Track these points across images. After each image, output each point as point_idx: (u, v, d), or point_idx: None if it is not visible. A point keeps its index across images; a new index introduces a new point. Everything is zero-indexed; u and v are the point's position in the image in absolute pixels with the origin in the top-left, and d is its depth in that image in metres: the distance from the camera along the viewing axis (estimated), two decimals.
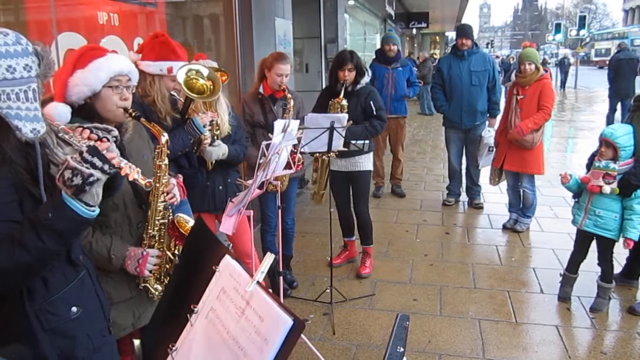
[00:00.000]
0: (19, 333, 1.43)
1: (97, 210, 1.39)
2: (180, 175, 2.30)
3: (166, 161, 2.02)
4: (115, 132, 1.50)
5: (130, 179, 1.37)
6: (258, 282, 0.94)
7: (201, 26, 5.60)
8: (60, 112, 1.87)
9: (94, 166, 1.32)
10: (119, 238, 2.00)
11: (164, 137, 2.01)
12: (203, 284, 1.07)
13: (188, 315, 1.06)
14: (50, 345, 1.45)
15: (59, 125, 1.44)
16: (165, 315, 1.30)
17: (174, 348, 1.05)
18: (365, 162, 4.19)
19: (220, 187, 3.26)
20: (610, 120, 11.59)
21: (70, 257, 1.52)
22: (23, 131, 1.36)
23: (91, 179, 1.31)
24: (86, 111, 1.92)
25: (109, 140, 1.43)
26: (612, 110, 11.63)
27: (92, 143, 1.36)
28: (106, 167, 1.34)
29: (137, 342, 1.30)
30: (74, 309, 1.51)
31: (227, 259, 1.06)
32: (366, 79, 4.09)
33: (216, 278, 1.06)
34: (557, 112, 15.56)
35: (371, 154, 4.25)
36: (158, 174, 2.01)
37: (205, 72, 2.62)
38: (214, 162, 3.13)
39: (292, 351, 0.87)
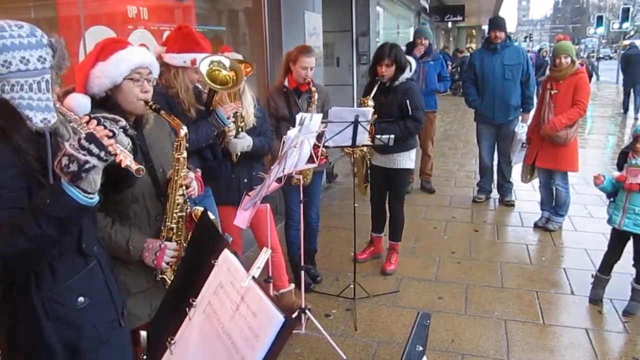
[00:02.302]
0: (24, 321, 1.45)
1: (97, 198, 1.39)
2: (199, 170, 2.30)
3: (184, 154, 2.02)
4: (123, 122, 1.49)
5: (123, 165, 1.36)
6: (254, 278, 0.92)
7: (230, 19, 5.62)
8: (80, 102, 1.89)
9: (90, 153, 1.32)
10: (137, 230, 2.02)
11: (183, 130, 2.01)
12: (204, 278, 1.06)
13: (187, 309, 1.05)
14: (55, 335, 1.46)
15: (72, 115, 1.45)
16: (169, 307, 1.29)
17: (172, 342, 1.05)
18: (404, 160, 4.12)
19: (245, 180, 3.26)
20: (625, 104, 13.91)
21: (80, 247, 1.53)
22: (33, 121, 1.38)
23: (87, 166, 1.31)
24: (107, 103, 1.94)
25: (114, 134, 1.43)
26: (626, 94, 13.91)
27: (91, 130, 1.36)
28: (102, 154, 1.34)
29: (143, 333, 1.30)
30: (81, 299, 1.51)
31: (226, 253, 1.04)
32: (407, 74, 3.99)
33: (215, 272, 1.04)
34: (596, 107, 15.10)
35: (412, 152, 4.17)
36: (176, 167, 2.01)
37: (227, 62, 2.61)
38: (238, 154, 3.13)
39: (283, 348, 0.85)
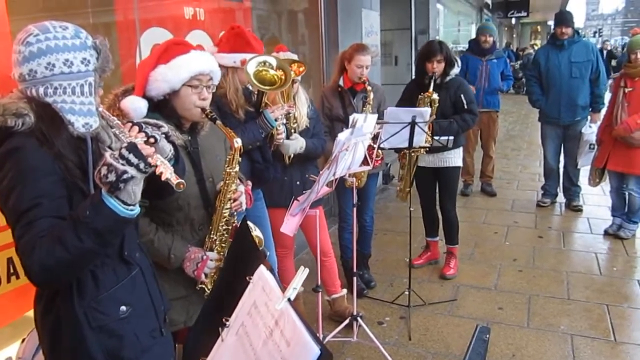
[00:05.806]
0: (67, 330, 1.42)
1: (137, 210, 1.33)
2: (249, 183, 2.24)
3: (236, 168, 1.96)
4: (165, 128, 1.44)
5: (163, 178, 1.30)
6: (289, 300, 0.84)
7: (286, 19, 5.59)
8: (137, 107, 1.85)
9: (129, 163, 1.26)
10: (180, 238, 1.97)
11: (237, 143, 1.94)
12: (239, 295, 0.99)
13: (220, 329, 0.99)
14: (96, 344, 1.43)
15: (114, 120, 1.42)
16: (204, 325, 1.24)
17: None
18: (454, 158, 3.98)
19: (298, 183, 3.20)
20: None
21: (122, 254, 1.50)
22: (75, 125, 1.35)
23: (125, 176, 1.25)
24: (164, 107, 1.90)
25: (155, 140, 1.38)
26: None
27: (134, 139, 1.31)
28: (142, 165, 1.28)
29: (179, 347, 1.24)
30: (123, 307, 1.48)
31: (262, 270, 0.97)
32: (455, 70, 3.88)
33: (249, 291, 0.97)
34: None
35: (461, 149, 4.04)
36: (227, 181, 1.96)
37: (274, 62, 2.54)
38: (291, 156, 3.07)
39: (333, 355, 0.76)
